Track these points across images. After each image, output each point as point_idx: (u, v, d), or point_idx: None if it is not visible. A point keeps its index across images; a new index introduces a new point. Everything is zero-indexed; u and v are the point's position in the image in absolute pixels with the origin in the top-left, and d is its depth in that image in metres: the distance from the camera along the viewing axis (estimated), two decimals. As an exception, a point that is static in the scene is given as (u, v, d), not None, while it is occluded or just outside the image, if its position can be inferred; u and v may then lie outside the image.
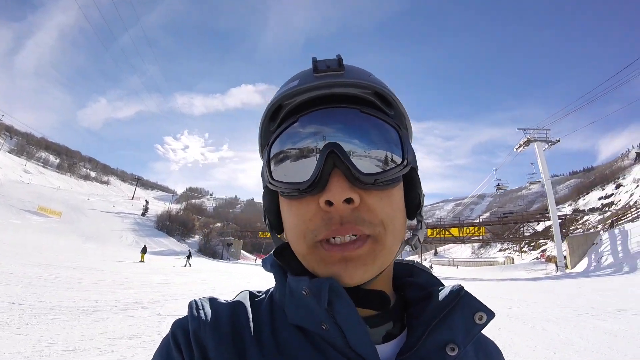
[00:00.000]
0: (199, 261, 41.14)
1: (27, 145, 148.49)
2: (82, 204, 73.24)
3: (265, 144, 0.60)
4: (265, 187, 0.64)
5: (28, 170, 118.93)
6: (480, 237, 43.60)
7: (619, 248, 28.15)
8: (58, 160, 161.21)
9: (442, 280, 0.63)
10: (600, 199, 49.67)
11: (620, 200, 43.11)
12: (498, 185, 51.60)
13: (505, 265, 51.13)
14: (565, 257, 31.98)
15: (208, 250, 65.48)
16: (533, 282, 23.05)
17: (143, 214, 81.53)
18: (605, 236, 31.38)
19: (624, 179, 48.58)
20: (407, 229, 0.60)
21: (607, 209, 42.06)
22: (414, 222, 0.67)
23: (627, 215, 33.63)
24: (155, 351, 0.57)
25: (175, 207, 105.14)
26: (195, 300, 0.60)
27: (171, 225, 76.16)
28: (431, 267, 56.40)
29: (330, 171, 0.50)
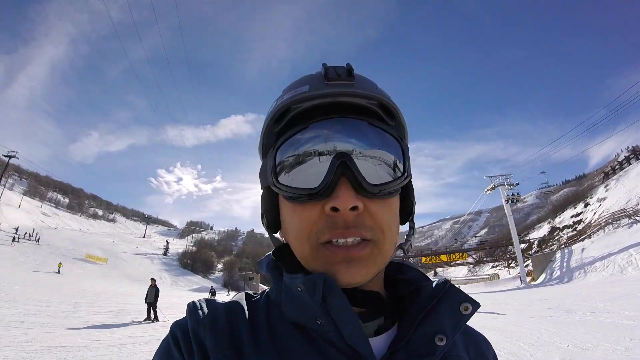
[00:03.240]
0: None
1: (38, 186, 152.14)
2: (114, 248, 79.86)
3: (269, 145, 0.61)
4: (265, 187, 0.64)
5: (45, 212, 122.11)
6: (463, 262, 54.13)
7: (565, 264, 35.82)
8: (67, 200, 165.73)
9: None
10: (572, 217, 52.97)
11: (587, 218, 46.62)
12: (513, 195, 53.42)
13: (491, 281, 57.86)
14: (531, 272, 40.98)
15: (233, 285, 69.00)
16: (499, 294, 29.69)
17: (165, 254, 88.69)
18: (558, 255, 39.25)
19: (591, 198, 53.01)
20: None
21: (576, 226, 47.14)
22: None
23: (577, 237, 40.70)
24: (155, 352, 0.57)
25: (182, 242, 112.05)
26: (193, 302, 0.62)
27: (193, 264, 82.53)
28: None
29: (337, 179, 0.52)
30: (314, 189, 0.53)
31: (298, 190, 0.55)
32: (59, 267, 43.19)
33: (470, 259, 56.10)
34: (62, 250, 60.84)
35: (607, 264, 25.44)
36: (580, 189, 76.00)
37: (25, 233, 64.11)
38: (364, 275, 0.53)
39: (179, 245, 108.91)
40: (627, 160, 56.68)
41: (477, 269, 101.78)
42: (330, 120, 0.55)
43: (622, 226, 32.27)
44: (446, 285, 0.57)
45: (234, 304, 0.63)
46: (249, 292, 0.70)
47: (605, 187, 51.96)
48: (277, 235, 0.68)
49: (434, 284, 0.59)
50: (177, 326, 0.58)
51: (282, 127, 0.58)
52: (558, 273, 35.56)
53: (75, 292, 21.73)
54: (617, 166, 56.69)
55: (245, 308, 0.62)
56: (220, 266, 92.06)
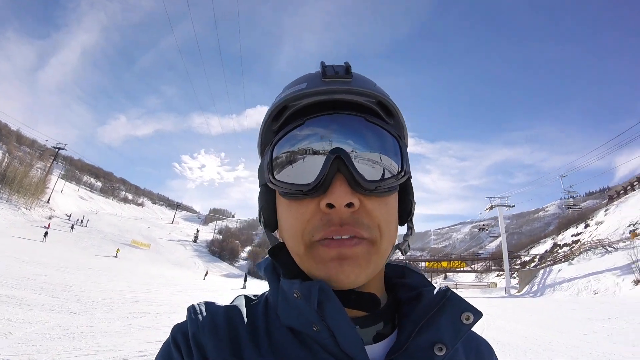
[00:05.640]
0: (258, 283, 47.03)
1: (74, 170, 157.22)
2: (151, 233, 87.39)
3: (266, 142, 0.61)
4: (263, 185, 0.65)
5: (82, 196, 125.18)
6: (461, 270, 62.70)
7: (542, 281, 40.98)
8: (100, 184, 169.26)
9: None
10: (572, 235, 55.58)
11: (583, 239, 48.92)
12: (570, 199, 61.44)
13: (488, 288, 63.47)
14: (517, 284, 47.06)
15: (257, 273, 70.17)
16: (485, 300, 33.55)
17: (195, 241, 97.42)
18: (540, 272, 44.56)
19: (591, 220, 55.23)
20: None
21: (574, 245, 49.75)
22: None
23: (561, 259, 44.97)
24: (156, 354, 0.58)
25: (206, 229, 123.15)
26: (193, 305, 0.62)
27: (220, 252, 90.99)
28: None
29: (333, 175, 0.52)
30: (309, 184, 0.52)
31: (293, 186, 0.54)
32: (117, 253, 48.51)
33: (468, 268, 63.38)
34: (111, 236, 66.88)
35: (570, 286, 29.88)
36: (598, 204, 79.07)
37: (77, 219, 70.19)
38: (358, 275, 0.52)
39: (205, 233, 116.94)
40: (632, 186, 57.46)
41: (483, 276, 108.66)
42: (327, 116, 0.54)
43: (597, 254, 36.56)
44: (447, 293, 0.56)
45: (233, 309, 0.62)
46: (248, 295, 0.70)
47: (605, 211, 54.97)
48: (276, 234, 0.67)
49: (435, 291, 0.58)
50: (178, 329, 0.59)
51: (280, 125, 0.58)
52: (535, 288, 41.12)
53: (152, 276, 25.04)
54: (628, 187, 58.04)
55: (244, 312, 0.62)
56: (244, 255, 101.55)
